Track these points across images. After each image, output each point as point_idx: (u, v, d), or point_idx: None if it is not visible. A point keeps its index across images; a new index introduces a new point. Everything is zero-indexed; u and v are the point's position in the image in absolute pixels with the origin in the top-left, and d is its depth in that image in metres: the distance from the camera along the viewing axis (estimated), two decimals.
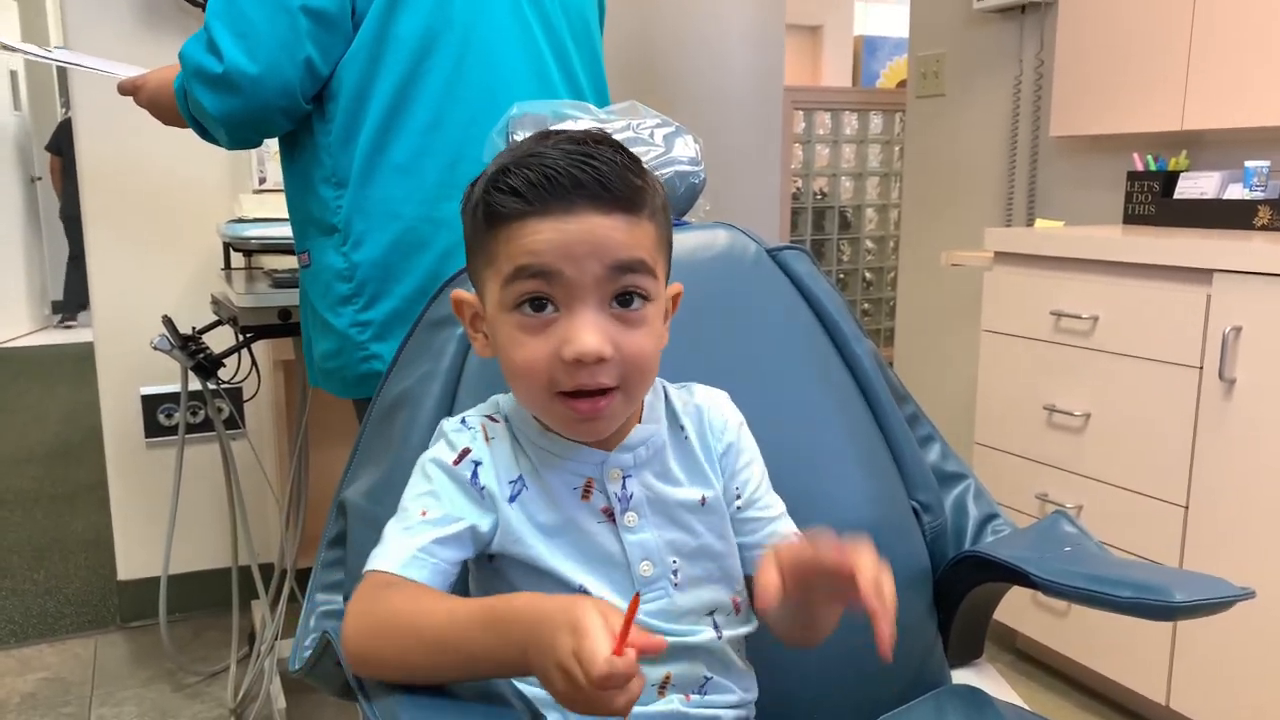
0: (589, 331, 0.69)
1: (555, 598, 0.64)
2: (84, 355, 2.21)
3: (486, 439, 0.77)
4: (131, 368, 2.16)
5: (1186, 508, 1.61)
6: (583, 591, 0.75)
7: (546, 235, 0.69)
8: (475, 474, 0.75)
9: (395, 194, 1.20)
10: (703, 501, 0.80)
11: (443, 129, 1.20)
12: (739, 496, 0.82)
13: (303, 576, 1.86)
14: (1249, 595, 0.77)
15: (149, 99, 1.37)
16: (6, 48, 1.61)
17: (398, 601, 0.69)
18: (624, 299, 0.71)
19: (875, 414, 1.03)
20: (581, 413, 0.71)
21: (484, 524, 0.74)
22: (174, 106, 1.28)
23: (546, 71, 1.28)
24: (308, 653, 0.83)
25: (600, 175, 0.69)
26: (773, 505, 0.84)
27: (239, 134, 1.22)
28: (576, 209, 0.69)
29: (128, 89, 1.40)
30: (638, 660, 0.57)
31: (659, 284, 0.74)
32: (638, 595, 0.61)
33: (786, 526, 0.84)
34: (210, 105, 1.17)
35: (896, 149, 4.62)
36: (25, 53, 1.58)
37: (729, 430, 0.83)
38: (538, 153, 0.70)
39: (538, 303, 0.70)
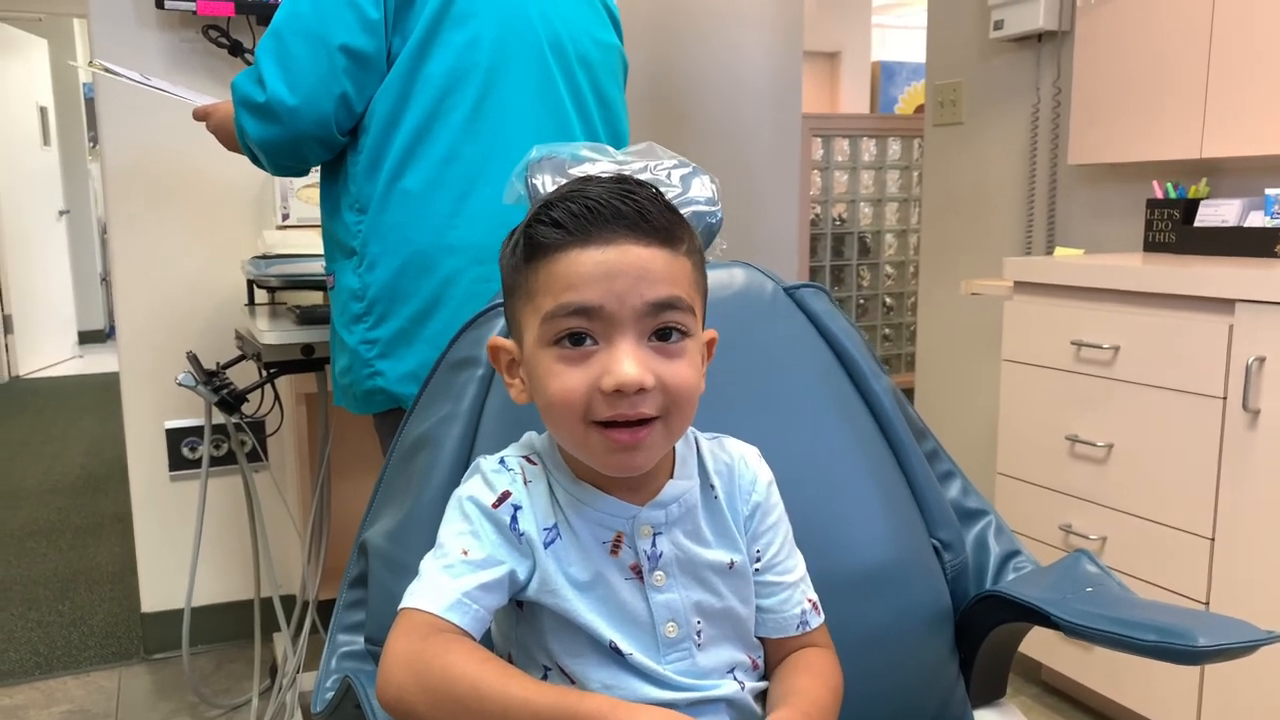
0: (629, 361, 0.68)
1: (633, 707, 0.64)
2: (109, 385, 2.24)
3: (525, 481, 0.76)
4: (156, 401, 2.18)
5: (1212, 540, 1.60)
6: (613, 648, 0.74)
7: (588, 266, 0.69)
8: (515, 519, 0.74)
9: (408, 220, 1.28)
10: (731, 565, 0.79)
11: (457, 163, 1.28)
12: (759, 559, 0.81)
13: (325, 609, 1.86)
14: (1275, 639, 0.76)
15: (217, 124, 1.47)
16: (111, 71, 1.69)
17: (458, 665, 0.67)
18: (663, 333, 0.71)
19: (895, 452, 1.03)
20: (620, 442, 0.70)
21: (521, 570, 0.73)
22: (234, 134, 1.37)
23: (565, 118, 1.34)
24: (329, 694, 0.84)
25: (640, 207, 0.70)
26: (793, 569, 0.83)
27: (279, 160, 1.32)
28: (618, 239, 0.69)
29: (200, 115, 1.51)
30: None
31: (697, 322, 0.74)
32: None
33: (803, 593, 0.83)
34: (252, 131, 1.28)
35: (915, 174, 4.63)
36: (126, 77, 1.68)
37: (758, 489, 0.82)
38: (577, 189, 0.72)
39: (577, 337, 0.70)
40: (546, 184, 0.89)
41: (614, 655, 0.75)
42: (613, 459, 0.72)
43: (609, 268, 0.69)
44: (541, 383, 0.72)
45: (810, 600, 0.83)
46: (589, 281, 0.69)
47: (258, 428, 2.15)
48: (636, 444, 0.70)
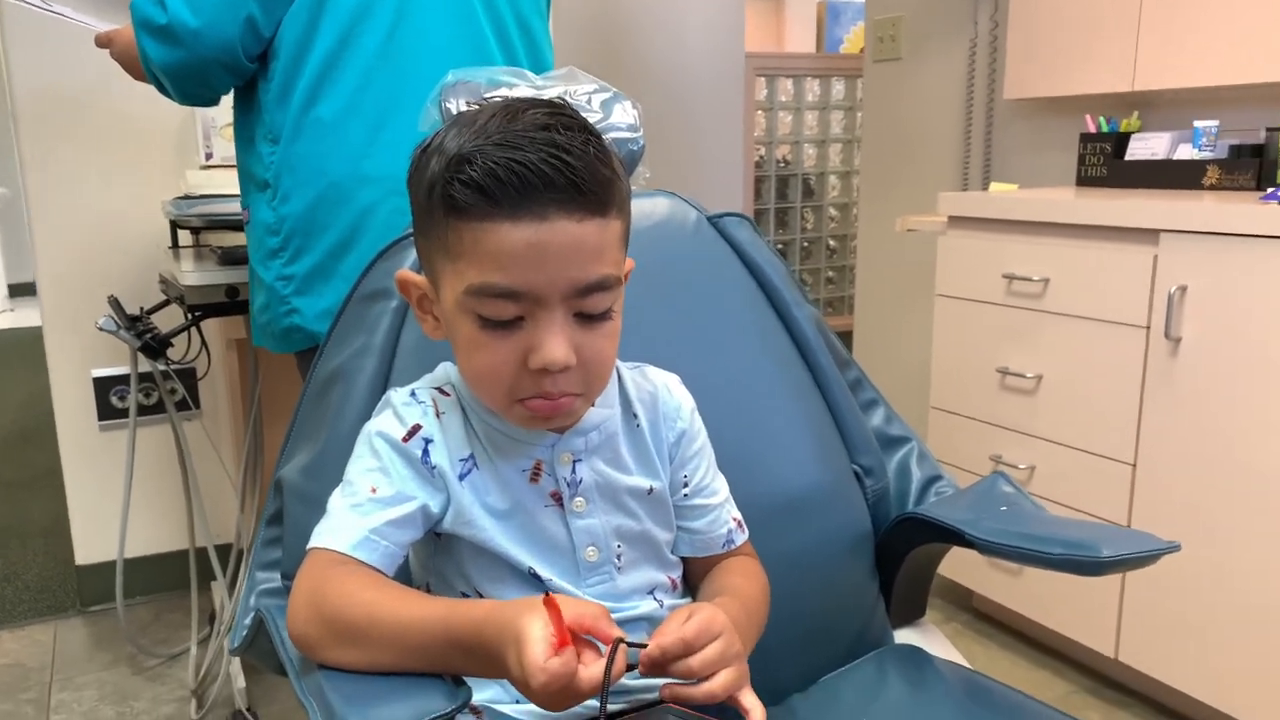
0: (556, 342, 0.67)
1: (510, 605, 0.63)
2: (41, 337, 2.17)
3: (438, 414, 0.75)
4: (82, 350, 2.12)
5: (1134, 465, 1.64)
6: (532, 574, 0.75)
7: (518, 246, 0.65)
8: (426, 452, 0.73)
9: (321, 150, 1.24)
10: (650, 491, 0.80)
11: (370, 90, 1.24)
12: (686, 484, 0.83)
13: None
14: (1174, 549, 0.78)
15: (120, 51, 1.41)
16: None
17: (354, 594, 0.67)
18: (589, 314, 0.69)
19: (817, 379, 1.04)
20: (541, 412, 0.71)
21: (435, 504, 0.73)
22: (139, 60, 1.30)
23: (484, 45, 1.31)
24: (245, 631, 0.83)
25: (574, 174, 0.64)
26: (718, 491, 0.85)
27: (183, 87, 1.27)
28: (549, 214, 0.65)
29: (103, 41, 1.45)
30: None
31: (622, 286, 0.72)
32: (551, 598, 0.60)
33: (729, 512, 0.85)
34: (154, 55, 1.23)
35: (859, 115, 4.62)
36: (25, 1, 1.62)
37: (682, 417, 0.83)
38: (504, 142, 0.65)
39: (504, 317, 0.68)
40: (462, 109, 0.86)
41: (533, 580, 0.75)
42: (533, 424, 0.73)
43: (540, 249, 0.65)
44: (464, 350, 0.71)
45: (735, 519, 0.85)
46: (518, 263, 0.65)
47: (187, 375, 2.10)
48: (556, 412, 0.71)
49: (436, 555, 0.78)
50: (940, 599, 2.13)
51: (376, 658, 0.66)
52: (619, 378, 0.82)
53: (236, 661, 1.80)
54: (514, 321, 0.68)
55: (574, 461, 0.77)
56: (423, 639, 0.65)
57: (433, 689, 0.64)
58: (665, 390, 0.84)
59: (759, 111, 4.42)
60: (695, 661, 0.65)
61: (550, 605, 0.59)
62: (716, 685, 0.65)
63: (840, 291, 4.76)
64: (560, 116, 0.67)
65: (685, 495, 0.83)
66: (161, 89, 1.30)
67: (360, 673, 0.67)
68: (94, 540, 2.20)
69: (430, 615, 0.66)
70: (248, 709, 1.69)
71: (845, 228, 4.72)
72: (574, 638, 0.60)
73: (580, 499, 0.77)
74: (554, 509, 0.76)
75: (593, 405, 0.78)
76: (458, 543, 0.75)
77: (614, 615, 0.75)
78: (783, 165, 4.54)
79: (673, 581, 0.83)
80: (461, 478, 0.74)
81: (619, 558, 0.78)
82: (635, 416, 0.81)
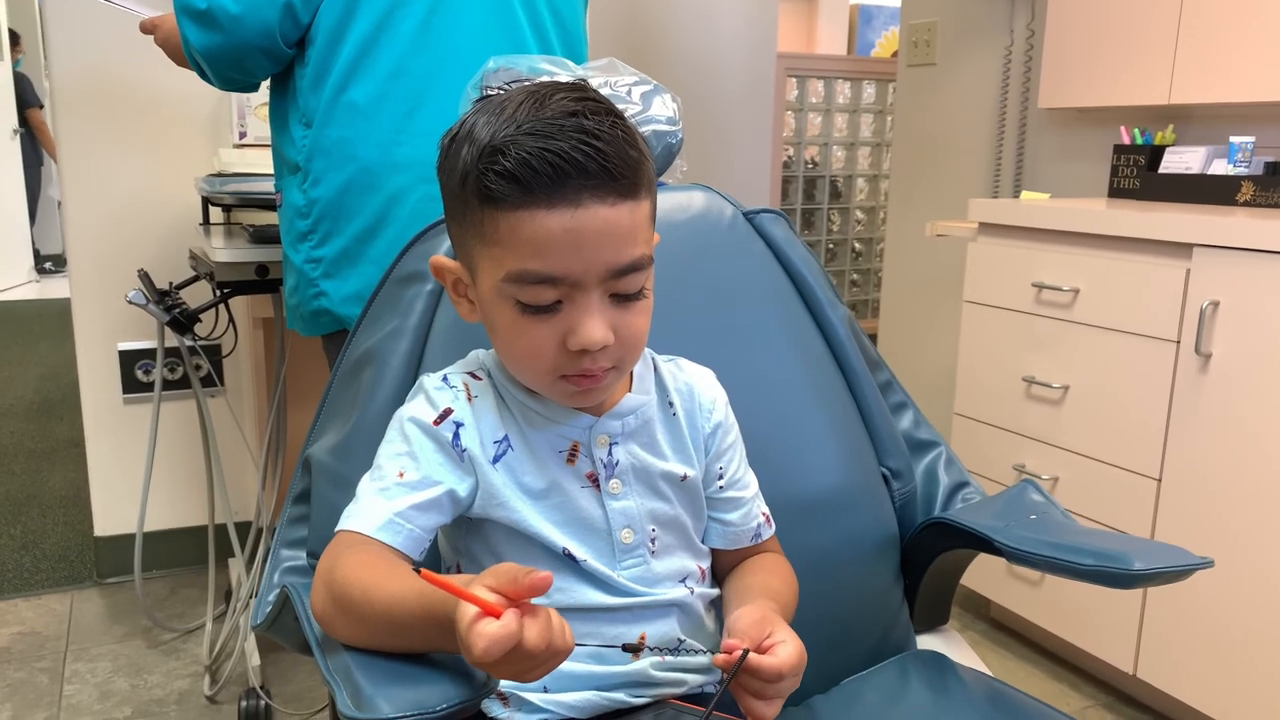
0: (594, 323, 0.68)
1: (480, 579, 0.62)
2: (68, 310, 2.19)
3: (469, 398, 0.76)
4: (109, 323, 2.14)
5: (1160, 480, 1.62)
6: (566, 555, 0.75)
7: (555, 233, 0.66)
8: (457, 435, 0.74)
9: (353, 135, 1.24)
10: (684, 478, 0.81)
11: (405, 77, 1.24)
12: (721, 476, 0.83)
13: None
14: (1207, 564, 0.77)
15: (164, 37, 1.42)
16: None
17: (357, 571, 0.67)
18: (626, 293, 0.71)
19: (848, 380, 1.03)
20: (582, 385, 0.72)
21: (462, 488, 0.73)
22: (181, 46, 1.31)
23: (520, 36, 1.31)
24: (269, 608, 0.83)
25: (605, 159, 0.66)
26: (750, 484, 0.86)
27: (223, 72, 1.28)
28: (583, 199, 0.66)
29: (148, 28, 1.47)
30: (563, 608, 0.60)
31: (652, 264, 0.73)
32: (424, 571, 0.58)
33: (759, 507, 0.86)
34: (194, 40, 1.24)
35: (889, 119, 4.59)
36: None
37: (717, 409, 0.84)
38: (536, 130, 0.65)
39: (543, 302, 0.69)
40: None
41: (567, 561, 0.76)
42: (572, 399, 0.74)
43: (576, 235, 0.66)
44: (504, 334, 0.72)
45: (764, 513, 0.86)
46: (555, 249, 0.66)
47: (213, 351, 2.12)
48: (596, 384, 0.72)
49: (467, 536, 0.78)
50: (957, 607, 2.12)
51: (372, 635, 0.67)
52: (655, 368, 0.83)
53: (252, 639, 1.81)
54: (552, 305, 0.69)
55: (610, 444, 0.78)
56: (406, 617, 0.64)
57: (460, 674, 0.64)
58: (701, 383, 0.85)
59: (789, 112, 4.41)
60: (771, 690, 0.69)
61: (427, 577, 0.57)
62: (767, 713, 0.69)
63: (864, 295, 4.74)
64: (586, 101, 0.68)
65: (720, 487, 0.83)
66: (202, 74, 1.31)
67: (385, 654, 0.67)
68: (113, 512, 2.22)
69: (411, 592, 0.64)
70: (261, 687, 1.70)
71: (871, 231, 4.70)
72: (516, 603, 0.58)
73: (616, 480, 0.77)
74: (590, 490, 0.77)
75: (630, 388, 0.79)
76: (489, 525, 0.76)
77: (647, 599, 0.78)
78: (811, 166, 4.52)
79: (702, 571, 0.83)
80: (495, 460, 0.75)
81: (653, 541, 0.79)
82: (671, 405, 0.82)
